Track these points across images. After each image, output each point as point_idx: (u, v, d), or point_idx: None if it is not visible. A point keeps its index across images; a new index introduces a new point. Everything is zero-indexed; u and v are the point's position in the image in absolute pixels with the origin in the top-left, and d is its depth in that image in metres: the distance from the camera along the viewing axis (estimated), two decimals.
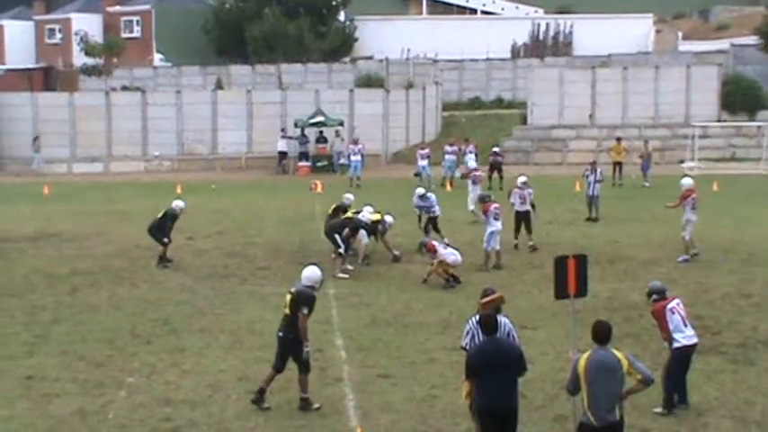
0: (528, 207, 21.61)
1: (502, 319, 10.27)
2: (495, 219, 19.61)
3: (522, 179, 21.97)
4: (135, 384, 12.69)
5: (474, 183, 26.87)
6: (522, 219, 21.53)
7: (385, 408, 11.74)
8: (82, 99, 45.23)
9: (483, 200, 20.63)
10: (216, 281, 19.06)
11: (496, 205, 19.91)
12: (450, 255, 18.19)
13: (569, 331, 10.72)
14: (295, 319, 11.44)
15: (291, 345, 11.54)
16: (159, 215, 20.80)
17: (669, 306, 11.52)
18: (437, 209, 22.13)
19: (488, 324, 9.36)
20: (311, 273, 11.77)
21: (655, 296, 11.74)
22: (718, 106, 44.63)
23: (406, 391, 12.30)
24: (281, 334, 11.67)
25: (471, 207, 25.71)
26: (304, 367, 11.56)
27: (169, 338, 14.92)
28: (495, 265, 19.45)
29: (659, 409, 11.33)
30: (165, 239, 20.44)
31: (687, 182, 20.69)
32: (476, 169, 29.03)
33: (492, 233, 19.46)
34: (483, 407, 9.18)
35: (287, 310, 11.58)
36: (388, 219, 20.56)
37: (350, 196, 21.61)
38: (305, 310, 11.41)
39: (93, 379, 12.90)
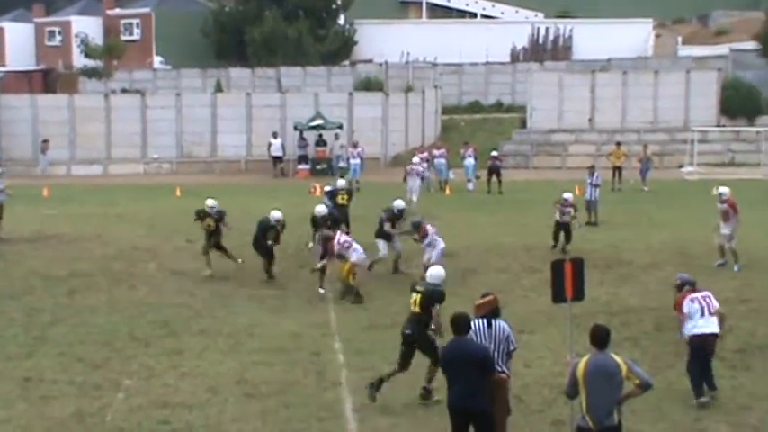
0: (568, 219, 21.96)
1: (499, 322, 10.30)
2: (437, 236, 18.81)
3: (566, 195, 22.22)
4: (133, 387, 12.69)
5: (417, 175, 30.32)
6: (563, 228, 21.94)
7: (383, 411, 11.75)
8: (81, 101, 45.20)
9: (416, 226, 19.12)
10: (214, 283, 19.06)
11: (430, 226, 19.15)
12: (355, 252, 17.56)
13: (567, 335, 10.73)
14: (424, 317, 12.01)
15: (420, 340, 12.07)
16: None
17: (692, 296, 12.10)
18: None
19: (457, 324, 9.51)
20: (437, 271, 12.40)
21: (687, 287, 12.41)
22: (718, 111, 44.66)
23: (404, 394, 12.30)
24: (408, 332, 12.14)
25: (414, 198, 26.81)
26: (434, 360, 11.77)
27: (167, 341, 14.92)
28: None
29: (694, 401, 11.85)
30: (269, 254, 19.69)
31: (725, 190, 20.08)
32: (418, 163, 31.64)
33: (443, 249, 18.61)
34: (449, 405, 9.52)
35: (416, 308, 12.09)
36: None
37: (322, 208, 20.70)
38: (437, 306, 11.97)
39: (90, 381, 12.90)
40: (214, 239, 20.05)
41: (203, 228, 20.06)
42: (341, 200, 23.29)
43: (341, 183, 24.86)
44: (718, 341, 12.20)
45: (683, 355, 13.86)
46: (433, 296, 11.94)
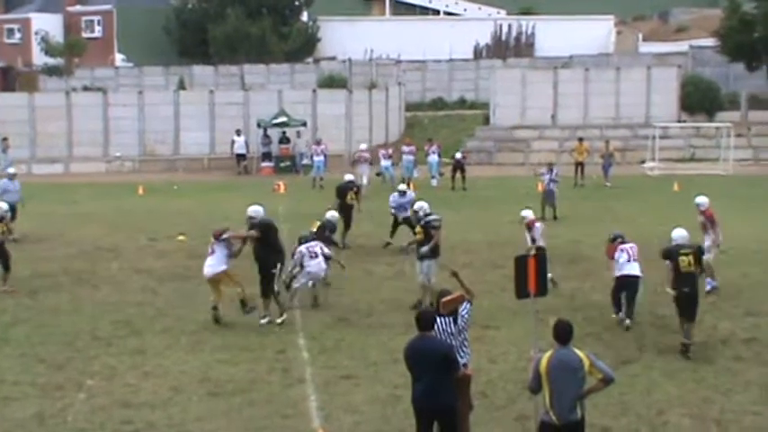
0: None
1: (462, 312, 10.30)
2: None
3: (524, 213, 19.13)
4: (95, 387, 12.58)
5: (367, 162, 33.16)
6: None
7: (348, 408, 11.73)
8: (42, 99, 44.68)
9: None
10: (178, 282, 18.92)
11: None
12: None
13: (531, 331, 10.77)
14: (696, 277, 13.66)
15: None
16: (314, 229, 18.74)
17: (621, 246, 15.38)
18: (408, 211, 21.13)
19: (420, 321, 9.48)
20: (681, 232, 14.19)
21: (618, 239, 15.66)
22: (678, 107, 45.14)
23: (369, 391, 12.31)
24: (686, 290, 13.61)
25: (364, 182, 26.93)
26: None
27: (130, 340, 14.80)
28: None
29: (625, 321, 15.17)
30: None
31: (703, 200, 18.27)
32: (365, 151, 34.45)
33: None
34: (413, 402, 9.48)
35: (692, 269, 13.60)
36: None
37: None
38: None
39: (52, 382, 12.77)
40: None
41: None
42: (350, 199, 22.64)
43: (348, 177, 24.20)
44: (640, 283, 15.18)
45: (646, 349, 14.06)
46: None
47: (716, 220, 17.86)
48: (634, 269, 15.20)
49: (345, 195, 22.52)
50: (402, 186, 22.94)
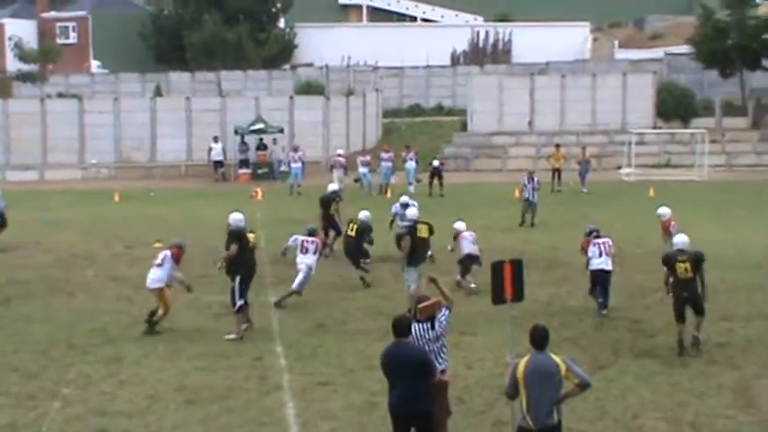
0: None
1: (441, 318, 10.30)
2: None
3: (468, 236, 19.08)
4: (70, 396, 12.48)
5: (341, 167, 34.12)
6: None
7: (325, 415, 11.71)
8: (16, 106, 44.44)
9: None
10: None
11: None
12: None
13: (508, 337, 10.80)
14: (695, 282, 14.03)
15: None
16: (352, 233, 19.21)
17: (595, 241, 16.35)
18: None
19: (397, 327, 9.47)
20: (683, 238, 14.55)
21: (593, 233, 16.66)
22: (653, 113, 45.45)
23: (346, 398, 12.29)
24: (686, 294, 13.95)
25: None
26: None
27: (106, 348, 14.70)
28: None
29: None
30: (367, 260, 19.32)
31: (665, 211, 19.89)
32: (341, 155, 35.65)
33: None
34: (389, 408, 9.47)
35: (689, 275, 13.91)
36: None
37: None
38: None
39: (26, 391, 12.65)
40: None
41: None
42: (333, 210, 22.41)
43: (332, 187, 23.96)
44: (611, 275, 16.23)
45: (622, 354, 14.13)
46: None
47: (671, 233, 18.18)
48: (605, 264, 16.13)
49: (329, 206, 22.45)
50: (404, 198, 22.17)
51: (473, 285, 18.02)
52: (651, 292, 17.94)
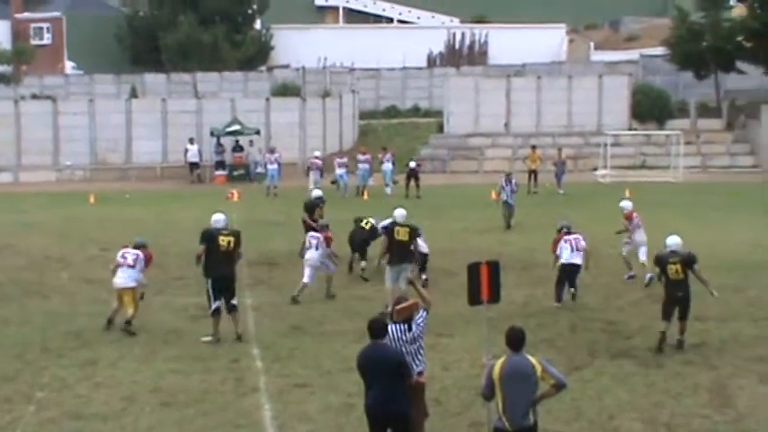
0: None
1: (418, 320, 10.29)
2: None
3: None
4: (45, 399, 12.40)
5: (318, 169, 34.54)
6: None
7: (302, 417, 11.69)
8: None
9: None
10: None
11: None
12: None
13: (484, 338, 10.82)
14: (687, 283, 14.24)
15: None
16: (366, 226, 20.08)
17: (566, 237, 17.15)
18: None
19: (372, 328, 9.50)
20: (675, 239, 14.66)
21: (564, 230, 17.50)
22: (629, 115, 45.70)
23: (323, 400, 12.28)
24: (680, 294, 14.25)
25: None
26: None
27: (81, 351, 14.61)
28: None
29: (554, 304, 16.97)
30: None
31: (626, 204, 20.13)
32: (316, 157, 35.68)
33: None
34: (366, 410, 9.47)
35: (680, 276, 14.20)
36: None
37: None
38: None
39: (0, 394, 12.54)
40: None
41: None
42: (318, 215, 21.64)
43: (317, 193, 23.52)
44: (579, 269, 17.09)
45: (598, 355, 14.20)
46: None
47: (638, 224, 19.40)
48: (574, 258, 16.98)
49: (313, 211, 22.25)
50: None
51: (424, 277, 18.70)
52: (624, 293, 18.06)
